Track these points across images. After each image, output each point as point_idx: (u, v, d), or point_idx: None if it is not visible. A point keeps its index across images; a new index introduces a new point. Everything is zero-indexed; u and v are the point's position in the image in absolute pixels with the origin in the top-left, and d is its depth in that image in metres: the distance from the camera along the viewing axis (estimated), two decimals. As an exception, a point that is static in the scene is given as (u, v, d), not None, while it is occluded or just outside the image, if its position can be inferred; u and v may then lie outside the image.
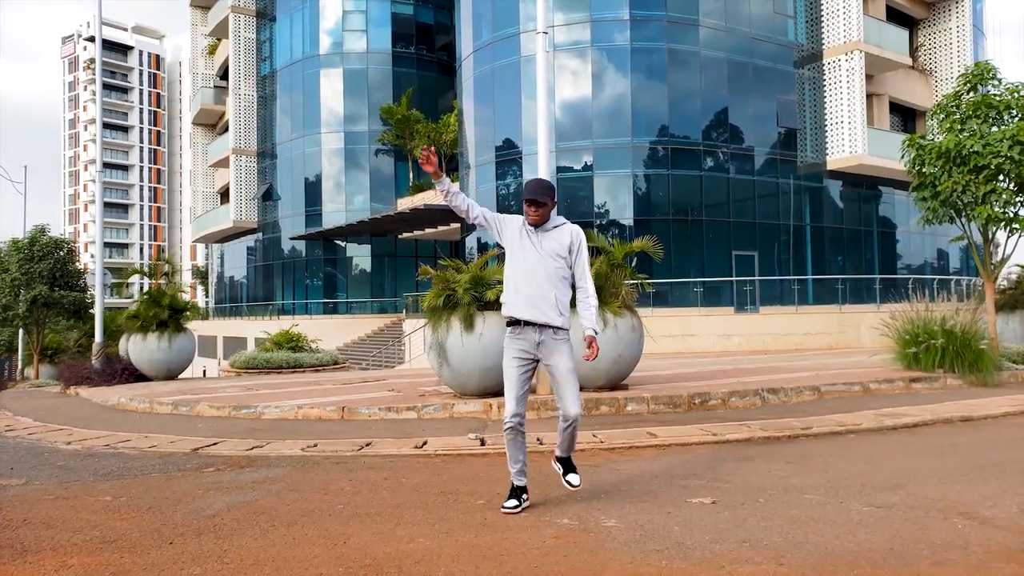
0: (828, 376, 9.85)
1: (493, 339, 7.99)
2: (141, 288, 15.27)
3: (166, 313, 13.60)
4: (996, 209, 10.67)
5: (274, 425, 7.81)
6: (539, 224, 4.08)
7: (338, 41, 35.28)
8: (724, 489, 4.41)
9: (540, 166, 8.56)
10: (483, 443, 6.25)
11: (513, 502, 4.04)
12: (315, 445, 6.37)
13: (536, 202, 4.02)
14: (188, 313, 14.07)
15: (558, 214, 4.25)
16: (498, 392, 8.45)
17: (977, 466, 5.05)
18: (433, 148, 4.25)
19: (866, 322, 17.83)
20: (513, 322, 4.09)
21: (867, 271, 25.89)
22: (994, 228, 10.99)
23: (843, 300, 21.22)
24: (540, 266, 4.05)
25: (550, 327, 4.03)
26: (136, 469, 5.51)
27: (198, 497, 4.47)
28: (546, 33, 8.39)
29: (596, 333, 4.09)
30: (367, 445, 6.30)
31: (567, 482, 4.17)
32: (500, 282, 8.44)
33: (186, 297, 14.31)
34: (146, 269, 15.07)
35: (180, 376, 14.70)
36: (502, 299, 4.20)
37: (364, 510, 4.10)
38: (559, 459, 4.25)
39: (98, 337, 14.72)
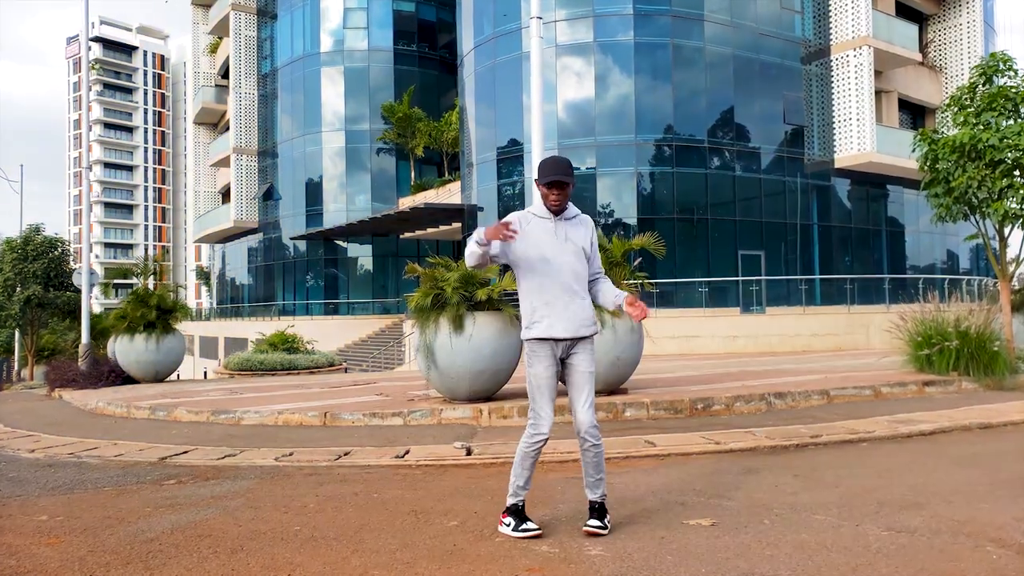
0: (837, 379, 9.40)
1: (483, 341, 7.60)
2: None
3: (154, 313, 13.21)
4: (1013, 205, 10.20)
5: (252, 431, 7.42)
6: (560, 211, 3.46)
7: (339, 39, 34.92)
8: (725, 508, 3.98)
9: (535, 162, 8.15)
10: (469, 452, 5.84)
11: (532, 524, 3.50)
12: (290, 454, 5.97)
13: (561, 183, 3.39)
14: (177, 313, 13.69)
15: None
16: (489, 397, 8.04)
17: (1003, 480, 4.61)
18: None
19: (875, 323, 17.36)
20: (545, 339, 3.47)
21: (876, 271, 25.37)
22: (1010, 225, 10.52)
23: (851, 300, 20.70)
24: (569, 267, 3.45)
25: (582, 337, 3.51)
26: (90, 482, 5.11)
27: (144, 516, 4.05)
28: (540, 18, 7.96)
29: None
30: (345, 455, 5.89)
31: (587, 525, 3.48)
32: (491, 281, 8.08)
33: (179, 296, 13.89)
34: (138, 268, 14.63)
35: (174, 377, 14.34)
36: (529, 316, 3.49)
37: (322, 533, 3.68)
38: (593, 505, 3.55)
39: (84, 338, 14.35)
